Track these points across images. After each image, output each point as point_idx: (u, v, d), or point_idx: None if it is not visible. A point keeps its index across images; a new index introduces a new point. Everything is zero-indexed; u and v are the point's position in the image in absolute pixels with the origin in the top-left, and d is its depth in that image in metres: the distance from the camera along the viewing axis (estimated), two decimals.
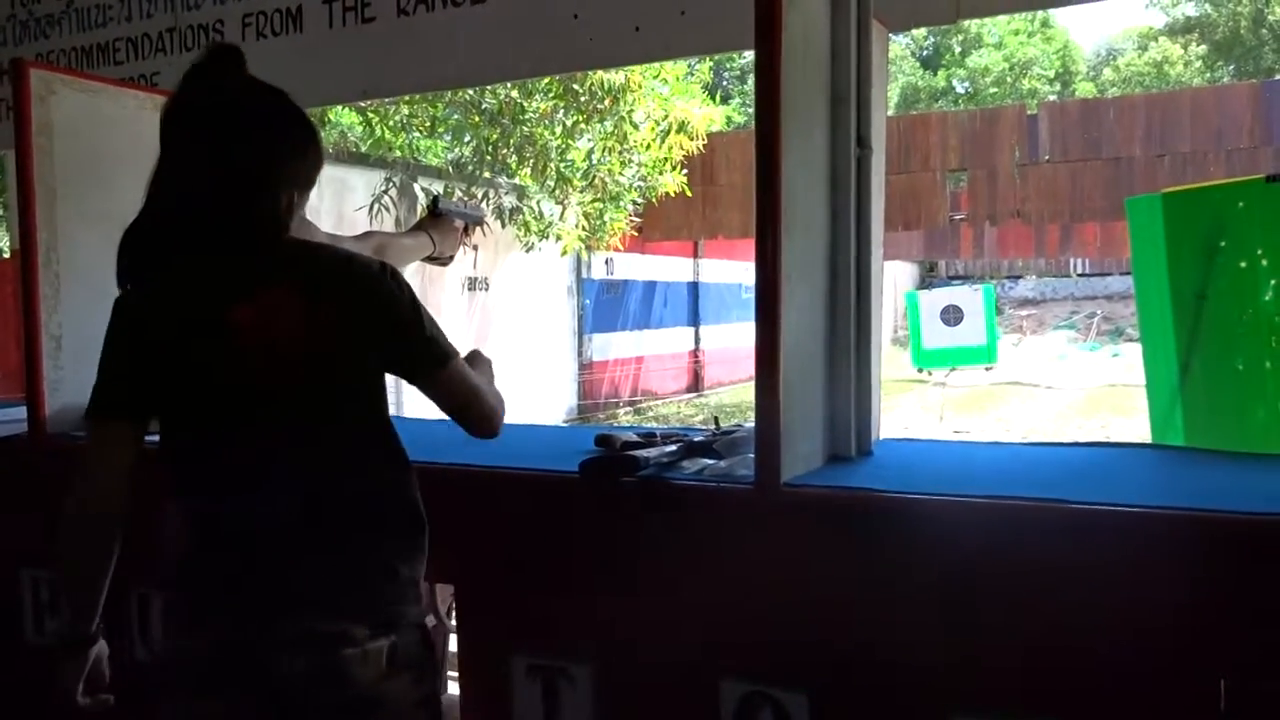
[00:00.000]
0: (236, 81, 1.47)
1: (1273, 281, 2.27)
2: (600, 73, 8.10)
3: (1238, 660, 1.37)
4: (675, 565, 1.72)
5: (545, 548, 1.84)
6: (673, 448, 1.83)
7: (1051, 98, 26.82)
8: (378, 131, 9.03)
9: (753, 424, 1.89)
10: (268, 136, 1.43)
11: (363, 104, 8.55)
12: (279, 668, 1.35)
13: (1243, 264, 2.30)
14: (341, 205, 9.45)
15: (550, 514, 1.84)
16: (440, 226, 2.13)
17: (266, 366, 1.38)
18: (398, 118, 8.89)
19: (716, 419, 2.22)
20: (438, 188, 9.65)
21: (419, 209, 9.74)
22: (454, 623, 2.43)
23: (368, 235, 2.04)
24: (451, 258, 2.19)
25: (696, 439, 1.90)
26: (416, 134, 9.16)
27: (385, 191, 9.03)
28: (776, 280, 1.58)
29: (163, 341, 1.40)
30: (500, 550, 1.89)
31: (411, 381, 1.48)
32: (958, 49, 31.04)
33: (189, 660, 1.41)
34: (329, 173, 9.91)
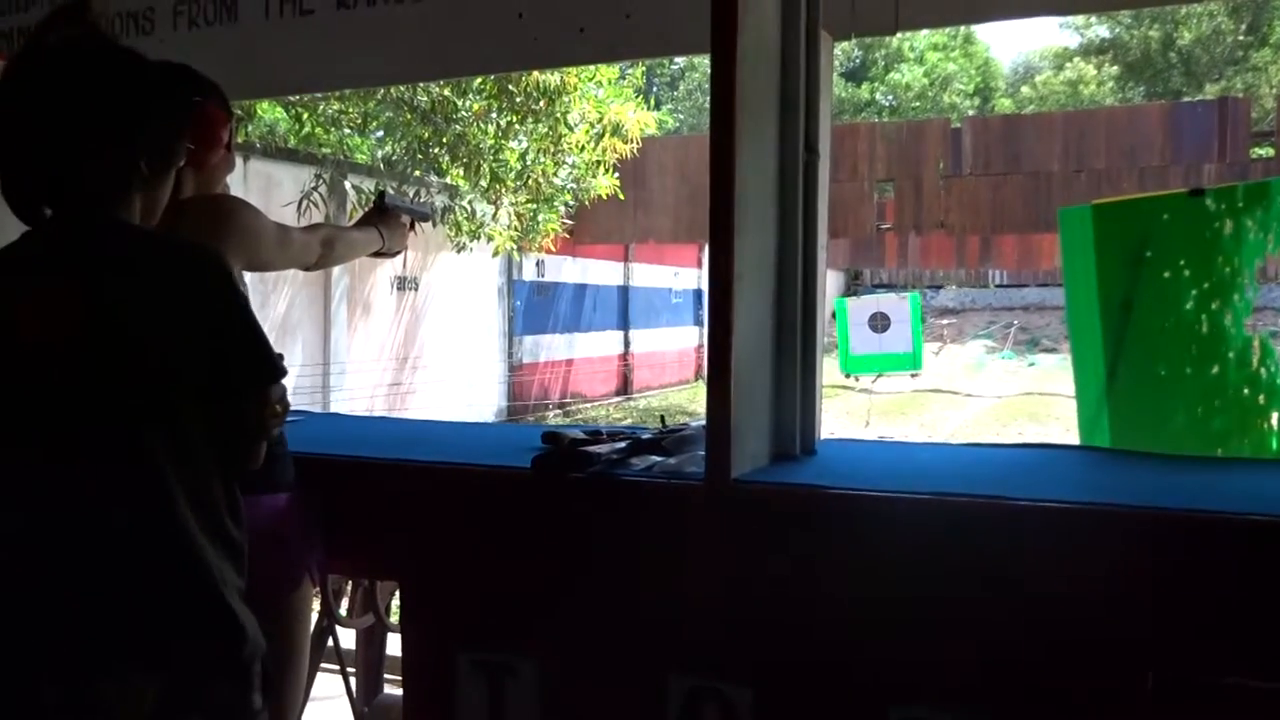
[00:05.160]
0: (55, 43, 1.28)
1: (1194, 291, 2.39)
2: (536, 73, 8.08)
3: (1167, 652, 1.44)
4: (624, 560, 1.73)
5: (493, 543, 1.84)
6: (621, 445, 1.85)
7: (971, 112, 27.54)
8: (307, 127, 8.86)
9: (698, 423, 1.92)
10: (62, 96, 1.25)
11: (292, 99, 8.38)
12: None
13: (1166, 274, 2.42)
14: (268, 201, 9.25)
15: (499, 509, 1.84)
16: (387, 221, 2.11)
17: (44, 369, 1.22)
18: (328, 113, 8.75)
19: (663, 418, 2.24)
20: (368, 185, 9.50)
21: (349, 207, 9.58)
22: (394, 621, 2.41)
23: (316, 227, 2.01)
24: (399, 252, 2.17)
25: (644, 436, 1.91)
26: (347, 130, 9.02)
27: (315, 188, 8.87)
28: (730, 280, 1.61)
29: None
30: (448, 546, 1.88)
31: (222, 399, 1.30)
32: (882, 63, 31.66)
33: None
34: (255, 167, 9.72)
